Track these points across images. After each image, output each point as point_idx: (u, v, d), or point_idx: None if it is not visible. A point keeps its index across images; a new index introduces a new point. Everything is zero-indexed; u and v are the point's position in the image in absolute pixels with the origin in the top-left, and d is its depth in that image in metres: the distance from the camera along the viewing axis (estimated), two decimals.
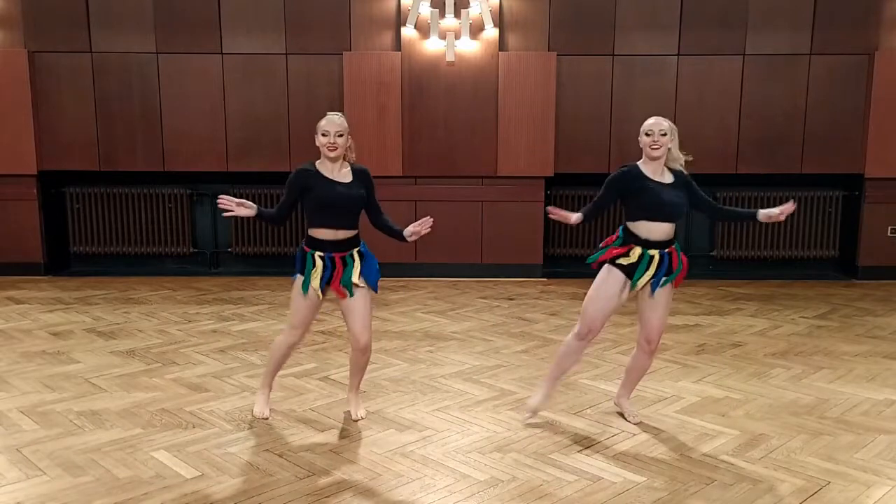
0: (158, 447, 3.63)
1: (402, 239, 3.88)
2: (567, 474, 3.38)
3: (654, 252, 3.68)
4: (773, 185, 7.72)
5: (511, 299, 6.78)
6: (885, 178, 7.46)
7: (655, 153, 3.66)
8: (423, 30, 7.28)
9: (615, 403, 4.11)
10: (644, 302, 3.79)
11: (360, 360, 3.90)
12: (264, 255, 7.91)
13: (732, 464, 3.49)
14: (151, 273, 7.87)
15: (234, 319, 6.03)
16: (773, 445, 3.69)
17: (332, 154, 3.69)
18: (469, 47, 7.31)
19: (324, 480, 3.30)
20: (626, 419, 3.97)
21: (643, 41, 7.38)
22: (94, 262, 8.04)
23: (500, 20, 7.32)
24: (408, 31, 7.28)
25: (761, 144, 7.48)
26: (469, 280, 7.55)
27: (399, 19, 7.32)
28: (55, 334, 5.59)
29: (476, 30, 7.28)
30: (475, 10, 7.21)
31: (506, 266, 7.65)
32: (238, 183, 7.81)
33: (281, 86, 7.46)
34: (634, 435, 3.80)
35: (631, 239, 3.71)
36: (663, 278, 3.71)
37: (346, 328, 3.99)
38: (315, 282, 3.71)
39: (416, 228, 3.80)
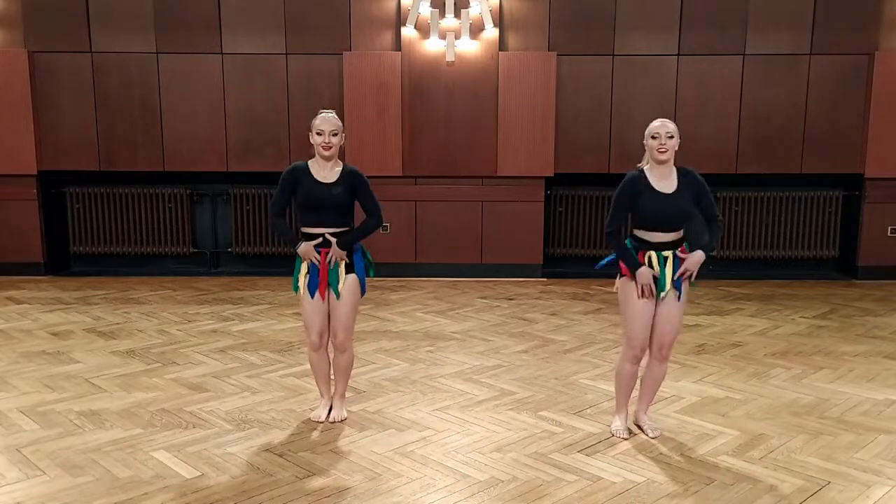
0: (158, 447, 3.63)
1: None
2: (567, 474, 3.38)
3: (668, 253, 3.60)
4: (773, 185, 7.72)
5: (511, 299, 6.78)
6: (885, 178, 7.46)
7: (662, 156, 3.55)
8: (423, 30, 7.28)
9: (634, 423, 3.89)
10: (659, 306, 3.66)
11: (338, 360, 3.93)
12: (264, 255, 7.91)
13: (732, 464, 3.49)
14: (151, 273, 7.87)
15: (234, 319, 6.03)
16: (773, 445, 3.69)
17: (326, 153, 3.72)
18: (469, 47, 7.31)
19: (324, 480, 3.30)
20: (645, 434, 3.79)
21: (643, 41, 7.38)
22: (94, 262, 8.05)
23: (500, 20, 7.32)
24: (408, 31, 7.28)
25: (761, 144, 7.48)
26: (469, 280, 7.55)
27: (399, 19, 7.33)
28: (55, 334, 5.59)
29: (476, 30, 7.28)
30: (475, 10, 7.21)
31: (506, 266, 7.65)
32: (238, 183, 7.82)
33: (281, 86, 7.47)
34: (634, 435, 3.80)
35: (641, 245, 3.63)
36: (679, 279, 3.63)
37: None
38: (300, 281, 3.82)
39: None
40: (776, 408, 4.19)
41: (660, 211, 3.56)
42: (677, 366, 4.88)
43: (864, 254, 7.61)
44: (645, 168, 3.65)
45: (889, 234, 7.58)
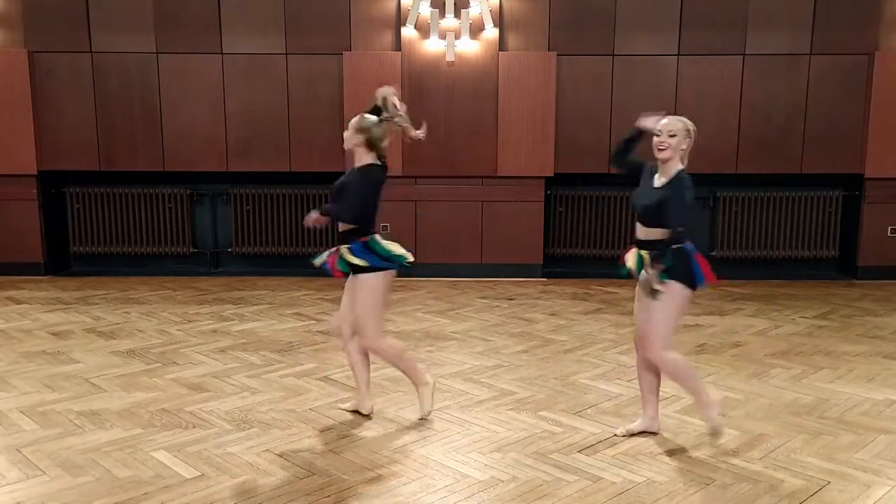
0: (158, 447, 3.63)
1: None
2: (567, 474, 3.38)
3: (644, 253, 3.59)
4: (773, 185, 7.72)
5: (511, 299, 6.78)
6: (885, 178, 7.46)
7: (660, 154, 3.57)
8: (423, 30, 7.28)
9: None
10: (640, 302, 3.70)
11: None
12: (264, 255, 7.90)
13: (732, 464, 3.49)
14: (151, 273, 7.87)
15: (234, 319, 6.03)
16: (773, 445, 3.69)
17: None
18: (469, 47, 7.31)
19: (324, 480, 3.30)
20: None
21: (643, 41, 7.38)
22: (94, 262, 8.04)
23: (500, 20, 7.32)
24: (408, 31, 7.28)
25: (761, 144, 7.47)
26: (469, 280, 7.55)
27: (399, 19, 7.32)
28: (55, 334, 5.59)
29: (476, 30, 7.28)
30: (475, 10, 7.21)
31: (506, 266, 7.65)
32: (238, 183, 7.82)
33: (281, 86, 7.47)
34: (634, 435, 3.80)
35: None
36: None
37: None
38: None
39: None
40: (776, 408, 4.19)
41: (636, 199, 3.64)
42: None
43: (864, 254, 7.61)
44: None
45: (889, 234, 7.58)
